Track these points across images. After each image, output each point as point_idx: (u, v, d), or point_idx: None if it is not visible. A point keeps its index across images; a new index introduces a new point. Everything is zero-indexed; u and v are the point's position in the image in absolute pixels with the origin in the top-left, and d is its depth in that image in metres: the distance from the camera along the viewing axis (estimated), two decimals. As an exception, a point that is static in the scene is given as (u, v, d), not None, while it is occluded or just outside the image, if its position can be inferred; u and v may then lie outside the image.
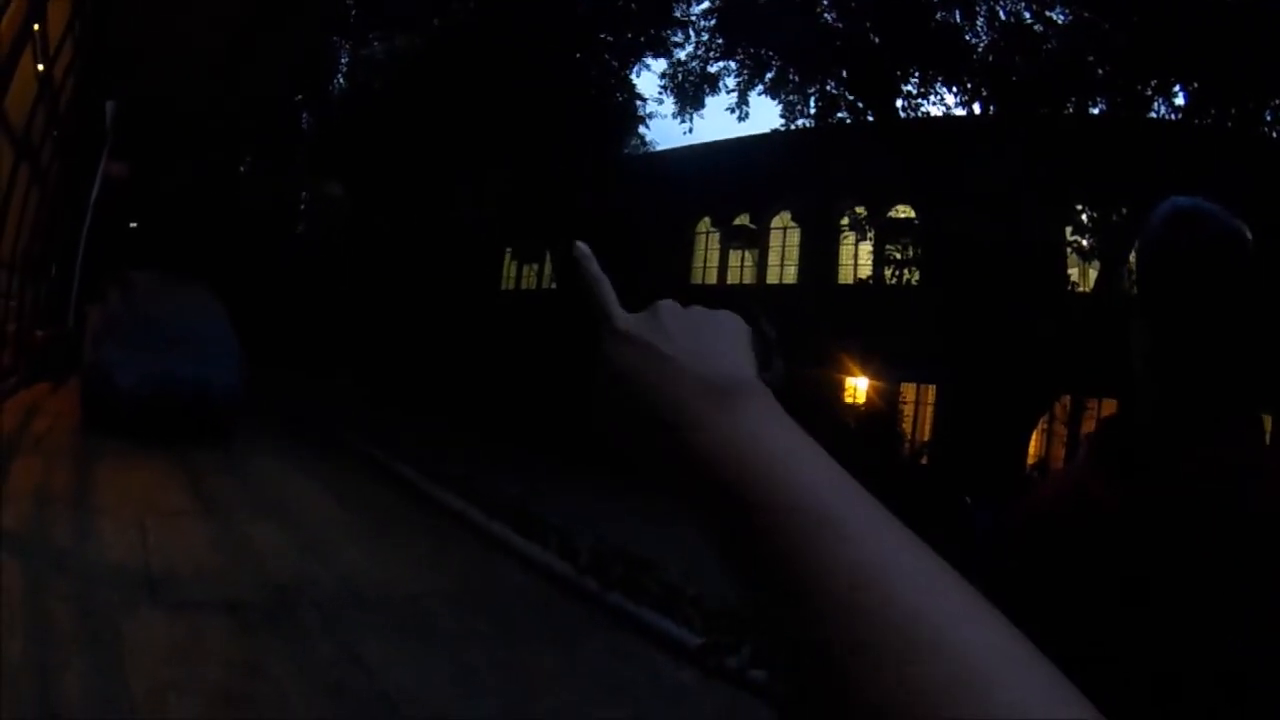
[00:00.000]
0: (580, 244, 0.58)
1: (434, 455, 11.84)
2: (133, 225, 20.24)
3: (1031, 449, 15.11)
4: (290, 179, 25.09)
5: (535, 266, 24.64)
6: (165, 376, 10.97)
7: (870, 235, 18.00)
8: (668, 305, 0.53)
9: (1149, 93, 13.68)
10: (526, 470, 12.36)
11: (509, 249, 24.46)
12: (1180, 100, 13.66)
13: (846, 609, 0.35)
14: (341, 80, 22.02)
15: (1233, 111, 12.94)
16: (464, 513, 9.36)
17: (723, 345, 0.50)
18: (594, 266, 0.57)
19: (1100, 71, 13.41)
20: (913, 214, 16.30)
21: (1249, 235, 1.06)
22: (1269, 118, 13.08)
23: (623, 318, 0.53)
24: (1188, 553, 1.01)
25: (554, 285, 22.98)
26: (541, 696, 4.81)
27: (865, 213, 17.54)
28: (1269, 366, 1.09)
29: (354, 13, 19.19)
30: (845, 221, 18.27)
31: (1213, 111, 13.18)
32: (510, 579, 7.43)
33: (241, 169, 24.96)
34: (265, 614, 5.18)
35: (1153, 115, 13.81)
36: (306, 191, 26.67)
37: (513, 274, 26.22)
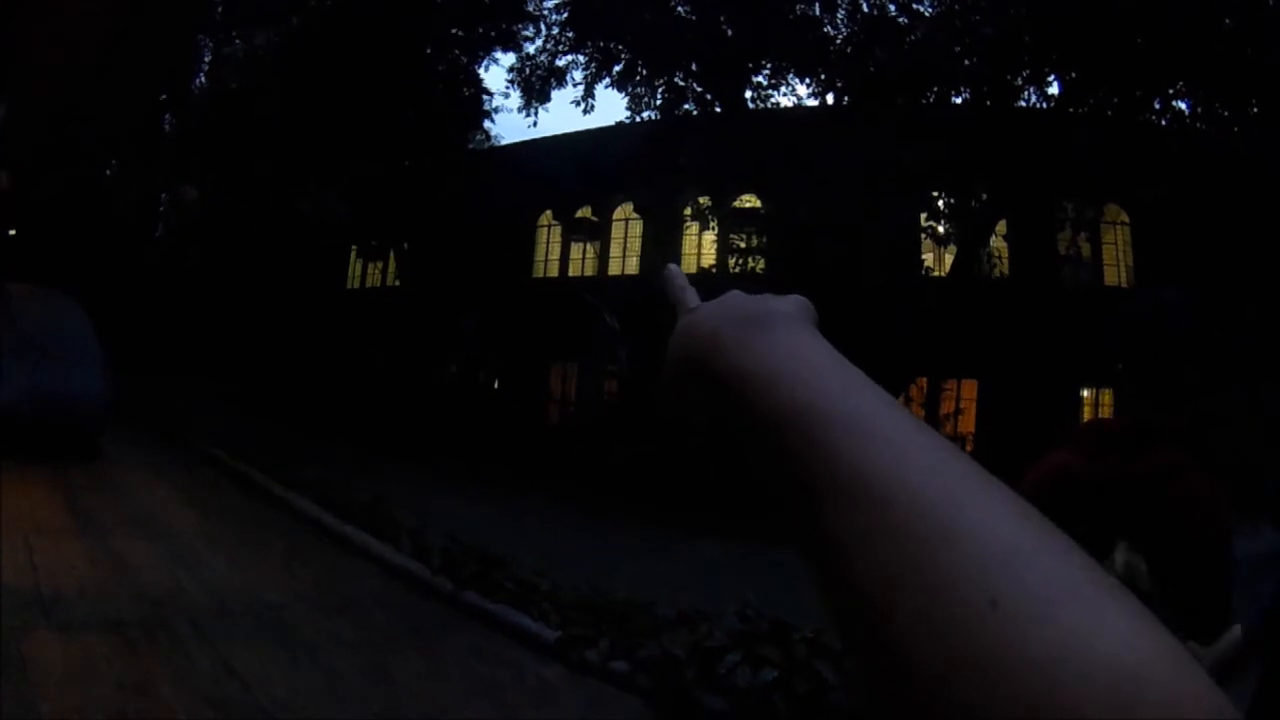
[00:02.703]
0: (671, 265, 0.70)
1: (286, 458, 12.54)
2: (11, 234, 19.86)
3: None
4: (152, 181, 25.00)
5: (380, 264, 24.98)
6: (40, 393, 11.16)
7: (714, 225, 18.52)
8: (736, 290, 0.59)
9: (1019, 82, 14.44)
10: (375, 470, 13.07)
11: (355, 247, 24.70)
12: (1055, 89, 14.47)
13: (874, 501, 0.37)
14: (203, 79, 22.05)
15: (1115, 100, 13.64)
16: (319, 518, 9.94)
17: (769, 301, 0.55)
18: (679, 281, 0.67)
19: (967, 62, 14.01)
20: (758, 203, 17.00)
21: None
22: (1159, 105, 13.86)
23: (697, 303, 0.61)
24: (1135, 517, 1.58)
25: (398, 283, 23.46)
26: (410, 699, 5.49)
27: (709, 202, 18.04)
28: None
29: (220, 10, 19.33)
30: (688, 212, 18.77)
31: (1090, 100, 13.93)
32: (367, 582, 7.99)
33: (108, 173, 24.74)
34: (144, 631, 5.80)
35: (1022, 104, 14.56)
36: (165, 194, 26.57)
37: (358, 273, 26.52)
